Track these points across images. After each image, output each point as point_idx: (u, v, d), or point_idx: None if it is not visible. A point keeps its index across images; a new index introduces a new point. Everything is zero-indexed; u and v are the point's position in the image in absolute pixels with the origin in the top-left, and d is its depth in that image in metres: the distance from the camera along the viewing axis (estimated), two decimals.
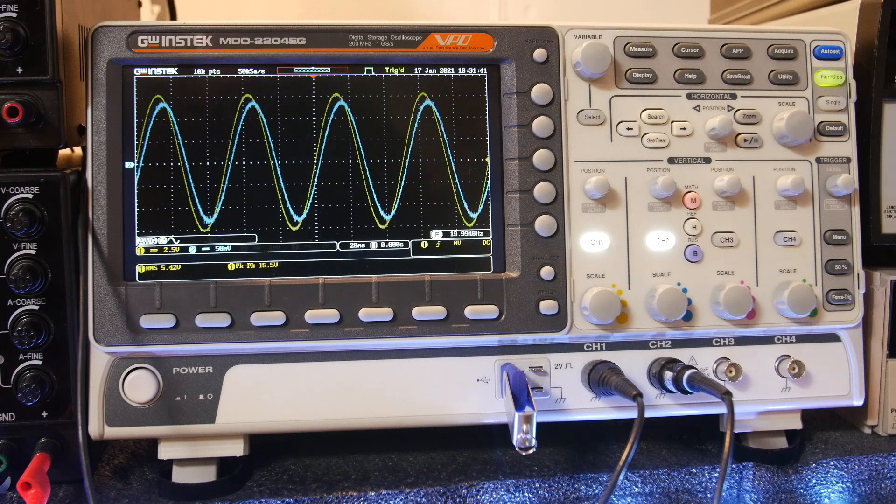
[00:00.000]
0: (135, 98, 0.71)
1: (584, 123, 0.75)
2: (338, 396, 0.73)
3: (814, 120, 0.77)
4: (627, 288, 0.74)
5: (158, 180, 0.71)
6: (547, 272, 0.73)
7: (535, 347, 0.75)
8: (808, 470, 0.79)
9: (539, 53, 0.74)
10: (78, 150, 0.87)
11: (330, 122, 0.73)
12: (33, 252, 0.69)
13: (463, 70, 0.75)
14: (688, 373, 0.72)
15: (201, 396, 0.72)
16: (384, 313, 0.71)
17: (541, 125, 0.73)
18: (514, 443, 0.66)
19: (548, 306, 0.72)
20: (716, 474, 0.77)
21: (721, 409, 0.77)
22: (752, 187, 0.76)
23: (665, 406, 0.76)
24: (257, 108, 0.72)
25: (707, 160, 0.76)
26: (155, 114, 0.71)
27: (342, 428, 0.74)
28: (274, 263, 0.72)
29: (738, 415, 0.77)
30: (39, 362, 0.69)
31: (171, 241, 0.71)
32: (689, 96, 0.77)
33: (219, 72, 0.72)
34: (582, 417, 0.75)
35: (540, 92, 0.74)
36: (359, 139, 0.73)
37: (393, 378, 0.73)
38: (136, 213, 0.71)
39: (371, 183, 0.73)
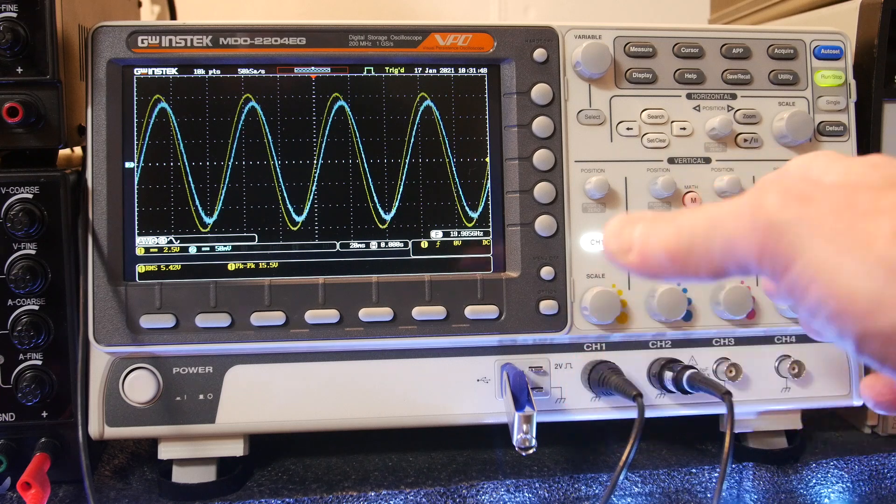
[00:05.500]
0: (135, 98, 0.71)
1: (584, 123, 0.75)
2: (338, 396, 0.73)
3: (814, 120, 0.77)
4: (627, 288, 0.74)
5: (158, 180, 0.71)
6: (547, 272, 0.73)
7: (535, 347, 0.75)
8: (808, 470, 0.79)
9: (539, 53, 0.74)
10: (78, 150, 0.87)
11: (330, 122, 0.73)
12: (33, 252, 0.69)
13: (463, 70, 0.75)
14: (688, 373, 0.72)
15: (201, 396, 0.72)
16: (384, 313, 0.71)
17: (541, 125, 0.73)
18: (514, 443, 0.66)
19: (548, 306, 0.72)
20: (716, 474, 0.77)
21: (721, 409, 0.77)
22: None
23: (665, 406, 0.76)
24: (257, 108, 0.72)
25: (707, 160, 0.76)
26: (155, 114, 0.71)
27: (342, 428, 0.74)
28: (274, 263, 0.72)
29: (738, 415, 0.77)
30: (39, 362, 0.69)
31: (171, 241, 0.71)
32: (689, 96, 0.76)
33: (219, 72, 0.72)
34: (582, 417, 0.75)
35: (540, 92, 0.74)
36: (359, 139, 0.73)
37: (393, 378, 0.73)
38: (136, 213, 0.71)
39: (371, 183, 0.73)
